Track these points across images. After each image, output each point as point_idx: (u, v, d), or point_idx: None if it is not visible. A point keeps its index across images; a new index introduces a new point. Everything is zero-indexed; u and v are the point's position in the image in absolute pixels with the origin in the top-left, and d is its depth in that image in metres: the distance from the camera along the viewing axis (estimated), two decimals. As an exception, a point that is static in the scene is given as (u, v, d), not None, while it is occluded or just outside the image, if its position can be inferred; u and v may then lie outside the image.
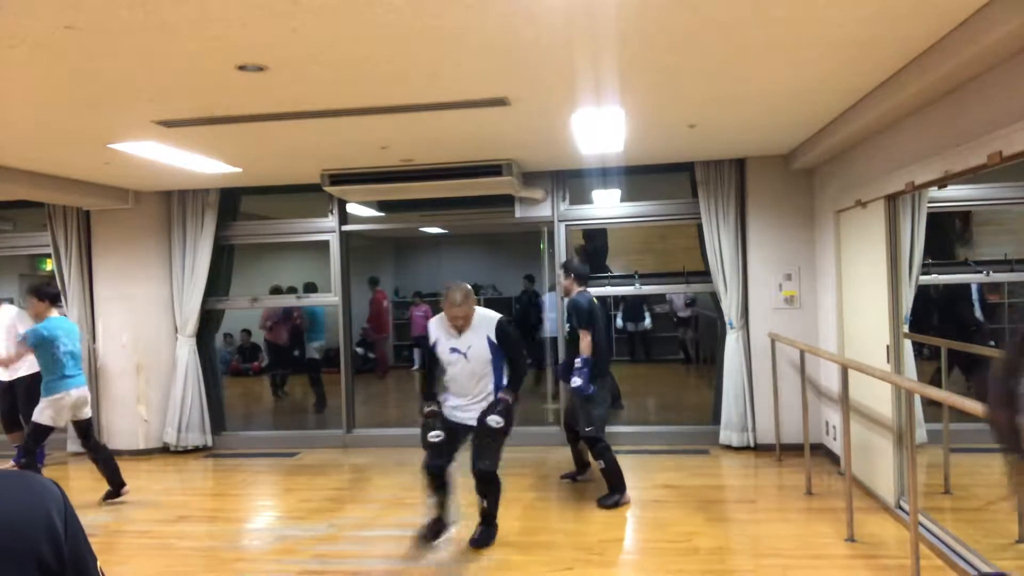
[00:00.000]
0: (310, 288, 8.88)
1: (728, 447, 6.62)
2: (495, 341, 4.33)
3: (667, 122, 4.99)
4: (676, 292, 11.75)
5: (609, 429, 7.27)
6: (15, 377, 6.69)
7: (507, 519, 4.99)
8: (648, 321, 12.52)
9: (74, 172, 6.11)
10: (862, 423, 5.12)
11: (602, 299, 13.59)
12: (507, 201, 7.01)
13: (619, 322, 12.49)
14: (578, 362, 5.21)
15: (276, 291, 9.55)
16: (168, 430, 7.29)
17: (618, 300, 12.59)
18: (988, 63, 3.29)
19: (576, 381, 5.19)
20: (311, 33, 3.04)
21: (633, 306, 12.37)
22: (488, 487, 4.43)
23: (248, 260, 9.70)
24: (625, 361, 13.03)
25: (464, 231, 12.83)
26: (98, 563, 1.21)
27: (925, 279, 5.69)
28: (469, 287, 4.46)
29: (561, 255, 7.10)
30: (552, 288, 7.94)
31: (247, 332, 12.99)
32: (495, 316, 4.43)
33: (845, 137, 4.99)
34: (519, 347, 4.48)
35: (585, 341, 5.22)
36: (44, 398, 5.49)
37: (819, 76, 3.93)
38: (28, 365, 6.71)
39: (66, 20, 2.78)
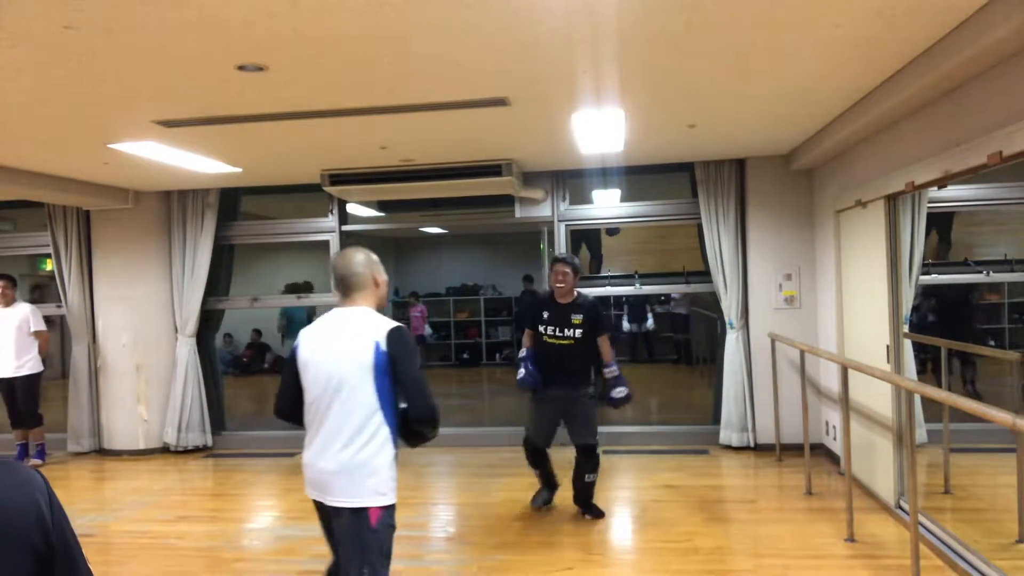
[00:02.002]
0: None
1: (728, 447, 6.62)
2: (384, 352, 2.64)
3: (667, 122, 4.99)
4: (674, 292, 11.78)
5: (610, 429, 7.30)
6: (19, 375, 6.73)
7: (507, 519, 4.99)
8: (651, 322, 12.53)
9: (74, 172, 6.11)
10: (862, 423, 5.12)
11: (603, 300, 13.64)
12: (507, 201, 7.01)
13: (625, 324, 12.54)
14: (615, 370, 4.84)
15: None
16: (168, 430, 7.28)
17: (620, 301, 12.63)
18: (988, 63, 3.29)
19: (623, 390, 4.81)
20: (311, 33, 3.04)
21: (636, 307, 12.41)
22: None
23: (248, 260, 9.69)
24: (627, 361, 13.04)
25: (464, 231, 12.85)
26: (81, 550, 1.23)
27: (925, 279, 5.70)
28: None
29: (561, 255, 7.09)
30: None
31: (258, 331, 12.98)
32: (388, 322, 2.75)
33: (845, 137, 4.99)
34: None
35: (609, 345, 4.87)
36: None
37: (819, 76, 3.93)
38: (32, 363, 6.76)
39: (66, 20, 2.78)
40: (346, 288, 2.79)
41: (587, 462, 4.84)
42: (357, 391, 2.62)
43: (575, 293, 4.88)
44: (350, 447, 2.63)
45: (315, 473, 2.71)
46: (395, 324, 2.71)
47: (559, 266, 4.86)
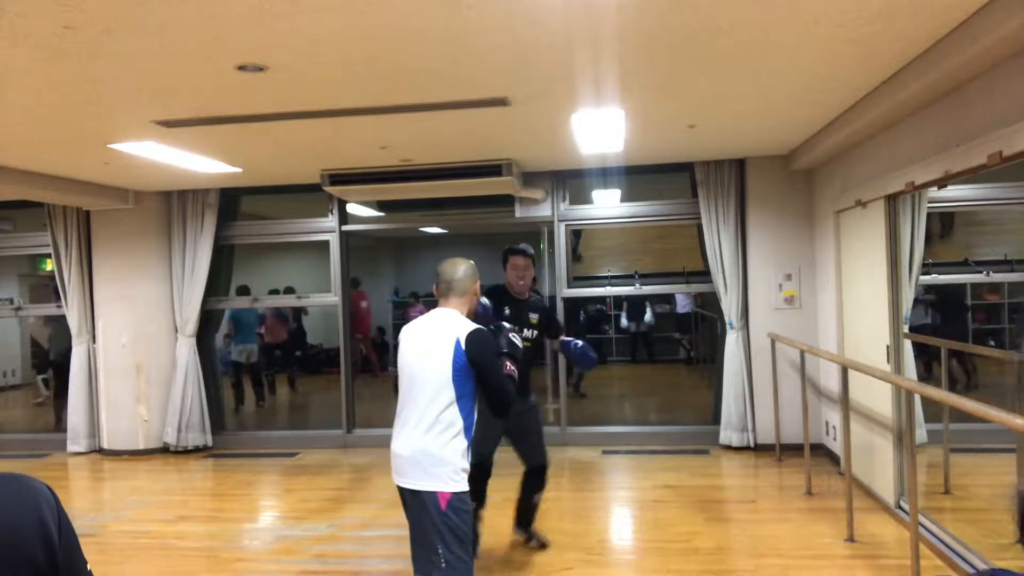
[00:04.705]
0: (243, 291, 8.64)
1: (728, 447, 6.62)
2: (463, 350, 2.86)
3: (667, 122, 4.99)
4: (676, 292, 11.78)
5: (609, 429, 7.31)
6: None
7: (507, 519, 4.99)
8: (650, 315, 12.46)
9: (74, 172, 6.11)
10: (862, 423, 5.12)
11: (600, 299, 13.68)
12: (507, 201, 7.02)
13: (623, 321, 12.55)
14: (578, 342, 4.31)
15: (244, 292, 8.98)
16: (168, 430, 7.28)
17: (619, 300, 12.63)
18: (988, 63, 3.29)
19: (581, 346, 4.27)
20: (311, 33, 3.04)
21: (635, 305, 12.41)
22: None
23: (248, 260, 9.68)
24: (627, 361, 13.03)
25: (464, 231, 12.83)
26: (88, 565, 1.19)
27: (925, 279, 5.70)
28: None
29: (561, 255, 7.10)
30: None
31: (260, 335, 12.95)
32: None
33: (845, 137, 4.99)
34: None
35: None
36: None
37: (819, 76, 3.93)
38: None
39: (66, 20, 2.78)
40: (447, 292, 3.03)
41: (538, 482, 4.39)
42: (435, 384, 2.82)
43: (528, 292, 4.37)
44: (423, 435, 2.82)
45: (394, 458, 2.93)
46: (477, 326, 2.90)
47: (518, 259, 4.30)
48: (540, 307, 4.38)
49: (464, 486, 2.84)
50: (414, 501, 2.84)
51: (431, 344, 2.88)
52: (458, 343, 2.82)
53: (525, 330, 4.25)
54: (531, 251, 4.35)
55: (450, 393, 2.81)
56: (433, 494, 2.77)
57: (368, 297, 12.23)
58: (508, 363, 2.97)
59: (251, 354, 10.13)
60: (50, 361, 9.47)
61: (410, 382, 2.91)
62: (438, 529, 2.76)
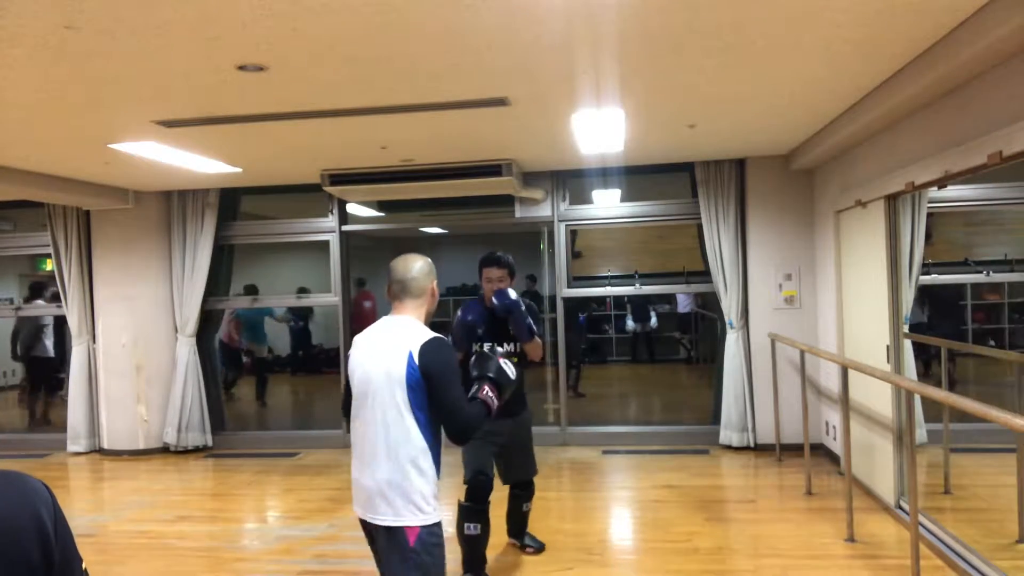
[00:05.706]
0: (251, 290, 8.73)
1: (728, 447, 6.62)
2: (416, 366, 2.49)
3: (667, 122, 4.99)
4: (677, 292, 11.79)
5: (609, 429, 7.31)
6: None
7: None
8: (655, 321, 12.52)
9: (74, 172, 6.11)
10: (862, 423, 5.12)
11: (600, 300, 13.70)
12: (507, 201, 7.02)
13: (629, 323, 12.57)
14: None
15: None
16: (168, 430, 7.28)
17: (620, 300, 12.64)
18: (988, 63, 3.29)
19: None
20: (311, 33, 3.04)
21: (639, 306, 12.43)
22: None
23: (248, 260, 9.69)
24: (627, 361, 13.03)
25: (464, 231, 12.84)
26: (83, 564, 1.20)
27: (925, 279, 5.70)
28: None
29: (561, 255, 7.10)
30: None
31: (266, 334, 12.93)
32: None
33: (845, 137, 4.99)
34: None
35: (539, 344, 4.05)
36: None
37: (819, 76, 3.93)
38: None
39: (66, 20, 2.78)
40: (401, 293, 2.66)
41: (524, 492, 4.31)
42: (391, 404, 2.48)
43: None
44: (385, 462, 2.48)
45: (357, 489, 2.58)
46: (432, 335, 2.53)
47: (492, 270, 3.95)
48: (519, 306, 3.93)
49: (436, 518, 2.51)
50: (380, 537, 2.54)
51: (384, 358, 2.50)
52: (411, 356, 2.46)
53: (507, 344, 4.01)
54: (507, 259, 3.97)
55: (409, 414, 2.46)
56: (401, 529, 2.46)
57: (374, 297, 12.23)
58: (487, 387, 2.63)
59: (257, 352, 10.27)
60: (17, 357, 9.44)
61: (364, 401, 2.54)
62: (406, 569, 2.46)
